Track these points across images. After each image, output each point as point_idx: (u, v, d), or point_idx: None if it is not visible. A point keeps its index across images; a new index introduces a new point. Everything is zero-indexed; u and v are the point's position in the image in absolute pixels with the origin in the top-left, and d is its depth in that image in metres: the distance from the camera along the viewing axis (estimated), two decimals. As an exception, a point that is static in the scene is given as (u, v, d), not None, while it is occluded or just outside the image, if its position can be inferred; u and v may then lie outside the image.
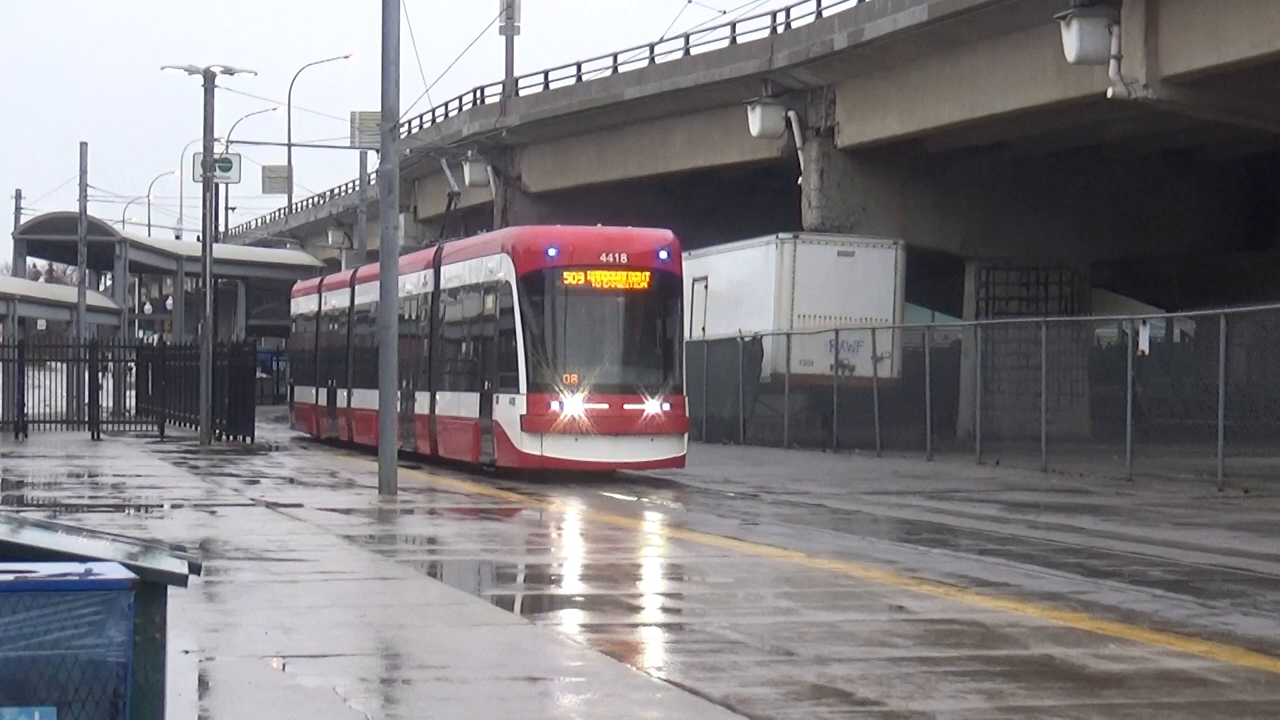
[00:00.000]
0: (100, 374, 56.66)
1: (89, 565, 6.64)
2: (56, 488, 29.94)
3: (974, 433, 39.17)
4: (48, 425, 53.36)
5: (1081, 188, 47.06)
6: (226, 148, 59.24)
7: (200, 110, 49.64)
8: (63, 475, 33.15)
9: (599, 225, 33.14)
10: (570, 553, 21.90)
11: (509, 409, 30.57)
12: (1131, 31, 34.75)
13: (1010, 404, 40.76)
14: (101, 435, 50.17)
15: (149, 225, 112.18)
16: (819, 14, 45.64)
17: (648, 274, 31.32)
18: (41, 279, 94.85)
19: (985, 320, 45.03)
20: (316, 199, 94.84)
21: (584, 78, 57.36)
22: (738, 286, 45.47)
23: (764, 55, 47.23)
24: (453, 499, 28.56)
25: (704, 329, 46.21)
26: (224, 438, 46.79)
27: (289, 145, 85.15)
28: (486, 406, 31.82)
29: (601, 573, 19.82)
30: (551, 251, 30.97)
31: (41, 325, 78.88)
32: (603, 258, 31.05)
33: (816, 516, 25.53)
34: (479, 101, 64.00)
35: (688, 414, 31.77)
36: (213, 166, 51.42)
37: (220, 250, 61.43)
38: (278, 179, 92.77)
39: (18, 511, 23.39)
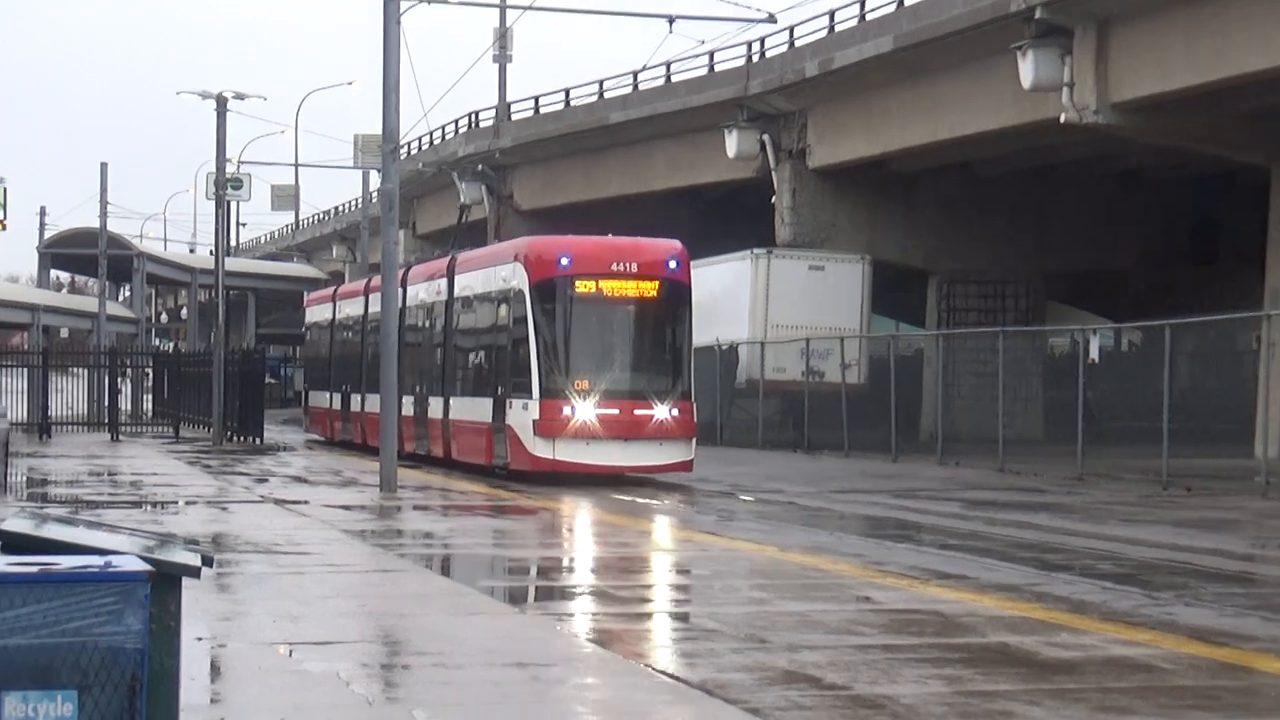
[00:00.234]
0: (119, 379, 56.62)
1: (108, 558, 6.66)
2: (78, 485, 29.90)
3: (935, 435, 39.17)
4: (70, 427, 53.34)
5: (1037, 206, 47.15)
6: (238, 168, 59.24)
7: (213, 133, 49.58)
8: (84, 474, 33.10)
9: (609, 235, 32.53)
10: (557, 547, 21.89)
11: (522, 413, 29.96)
12: (1082, 61, 34.83)
13: (969, 408, 40.83)
14: (120, 436, 50.10)
15: (165, 240, 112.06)
16: (791, 44, 45.70)
17: (657, 283, 30.50)
18: (64, 290, 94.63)
19: (946, 330, 45.06)
20: (322, 215, 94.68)
21: (572, 103, 57.41)
22: (716, 298, 45.40)
23: (740, 82, 47.28)
24: (449, 497, 28.54)
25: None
26: (235, 439, 46.72)
27: (296, 165, 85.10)
28: (500, 411, 31.16)
29: (587, 565, 19.83)
30: (564, 261, 30.28)
31: (64, 333, 78.92)
32: (613, 267, 30.33)
33: (788, 513, 25.52)
34: (474, 125, 63.99)
35: (696, 419, 31.14)
36: (225, 185, 51.42)
37: (231, 264, 61.36)
38: (286, 197, 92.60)
39: (42, 508, 23.37)
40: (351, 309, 45.51)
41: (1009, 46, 35.39)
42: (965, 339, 43.20)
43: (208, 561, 8.39)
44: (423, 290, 37.25)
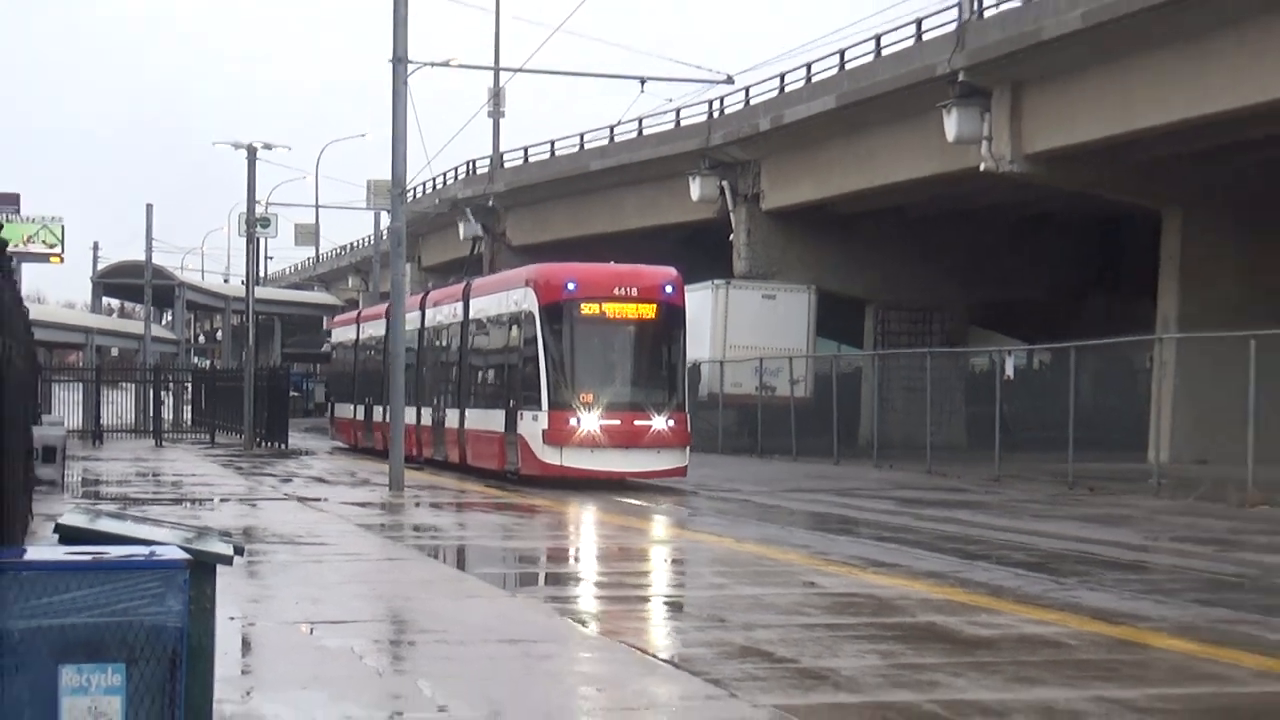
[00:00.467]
0: (162, 392, 56.43)
1: (152, 548, 6.65)
2: (126, 485, 29.80)
3: (872, 442, 39.20)
4: (119, 434, 53.15)
5: (961, 243, 47.19)
6: (266, 209, 59.30)
7: (244, 178, 49.69)
8: (131, 475, 33.00)
9: (611, 263, 31.88)
10: (546, 539, 21.85)
11: (532, 424, 29.34)
12: (999, 118, 34.95)
13: (901, 419, 40.85)
14: (163, 442, 49.93)
15: (202, 271, 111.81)
16: (747, 102, 45.78)
17: (655, 305, 29.69)
18: (114, 315, 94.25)
19: (881, 351, 45.11)
20: (339, 250, 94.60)
21: (557, 153, 57.44)
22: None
23: (702, 135, 47.34)
24: (450, 495, 28.45)
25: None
26: (263, 445, 46.60)
27: (316, 207, 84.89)
28: (511, 421, 30.49)
29: (568, 554, 19.83)
30: (570, 285, 29.58)
31: (114, 352, 78.68)
32: (615, 291, 29.61)
33: (744, 510, 25.54)
34: (471, 172, 63.98)
35: (689, 429, 30.34)
36: (255, 224, 51.51)
37: (260, 292, 61.17)
38: (307, 234, 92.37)
39: (94, 504, 23.32)
40: (373, 330, 44.90)
41: (935, 105, 35.52)
42: (897, 359, 43.25)
43: (239, 551, 8.38)
44: (440, 312, 36.76)
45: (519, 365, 30.40)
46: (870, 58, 39.77)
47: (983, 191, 40.86)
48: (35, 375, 28.72)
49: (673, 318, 29.89)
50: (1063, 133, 33.93)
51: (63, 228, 65.60)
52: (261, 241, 67.06)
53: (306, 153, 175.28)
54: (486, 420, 32.32)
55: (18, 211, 61.62)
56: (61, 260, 67.51)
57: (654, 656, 11.08)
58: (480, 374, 33.97)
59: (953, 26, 36.36)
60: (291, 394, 59.52)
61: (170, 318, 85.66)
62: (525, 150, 59.69)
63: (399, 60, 29.54)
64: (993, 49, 34.19)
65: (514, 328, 31.00)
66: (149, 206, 65.39)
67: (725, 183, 46.70)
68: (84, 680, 6.04)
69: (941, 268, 47.28)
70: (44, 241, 65.19)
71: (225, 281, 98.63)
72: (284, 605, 13.25)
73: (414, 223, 53.53)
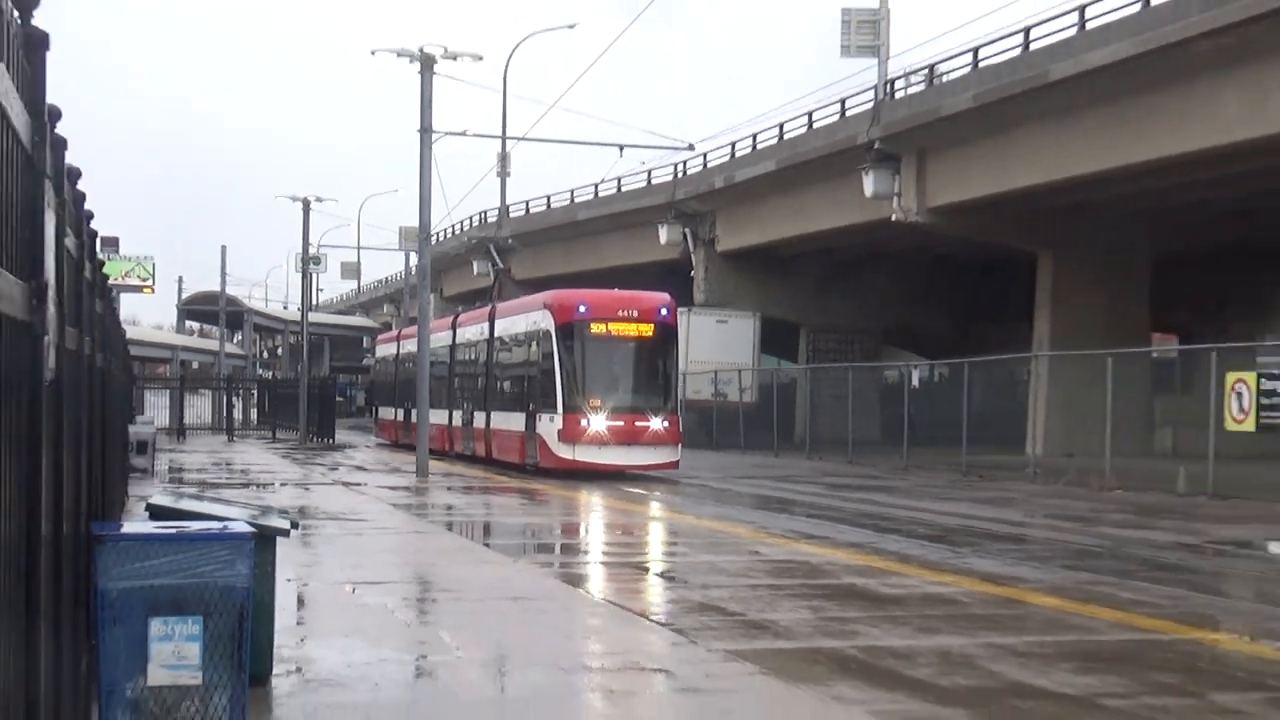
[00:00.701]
0: (233, 397, 56.33)
1: (225, 523, 6.65)
2: (203, 472, 29.70)
3: (805, 438, 39.23)
4: (198, 431, 52.98)
5: (877, 279, 47.23)
6: (317, 249, 59.15)
7: (300, 224, 49.65)
8: (207, 464, 32.88)
9: (615, 289, 31.25)
10: (541, 516, 21.82)
11: (549, 424, 28.69)
12: (907, 178, 35.07)
13: (828, 419, 40.77)
14: (233, 438, 49.77)
15: (266, 300, 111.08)
16: (705, 165, 45.83)
17: (653, 325, 28.95)
18: (195, 335, 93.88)
19: (812, 365, 45.12)
20: (376, 283, 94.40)
21: (552, 205, 57.43)
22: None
23: (669, 192, 47.35)
24: (464, 480, 28.36)
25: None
26: (314, 440, 46.47)
27: (358, 248, 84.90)
28: (531, 422, 29.81)
29: (561, 528, 19.81)
30: (582, 308, 28.87)
31: (195, 365, 78.34)
32: (619, 313, 28.93)
33: (702, 492, 25.52)
34: (483, 220, 63.86)
35: (681, 430, 29.68)
36: (308, 262, 51.57)
37: (312, 317, 61.06)
38: (350, 270, 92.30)
39: (178, 487, 23.21)
40: (410, 346, 43.86)
41: (856, 168, 35.63)
42: (826, 371, 43.24)
43: (294, 525, 8.38)
44: (469, 331, 36.09)
45: (537, 375, 29.78)
46: (804, 129, 39.87)
47: (894, 237, 40.94)
48: (131, 384, 28.63)
49: (667, 335, 29.35)
50: (957, 190, 34.05)
51: (153, 264, 65.34)
52: (314, 276, 67.04)
53: (350, 204, 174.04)
54: (509, 421, 31.64)
55: (117, 251, 61.37)
56: (152, 291, 67.23)
57: (629, 611, 11.07)
58: (503, 382, 33.25)
59: (870, 105, 36.51)
60: (337, 399, 59.40)
61: (240, 337, 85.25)
62: (527, 203, 59.74)
63: (425, 130, 29.58)
64: (902, 123, 34.30)
65: (533, 343, 30.37)
66: (223, 248, 65.67)
67: (687, 230, 46.71)
68: (169, 630, 6.03)
69: (861, 298, 47.38)
70: (138, 275, 64.97)
71: (284, 308, 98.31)
72: (330, 569, 13.21)
73: (437, 261, 53.43)
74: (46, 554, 4.00)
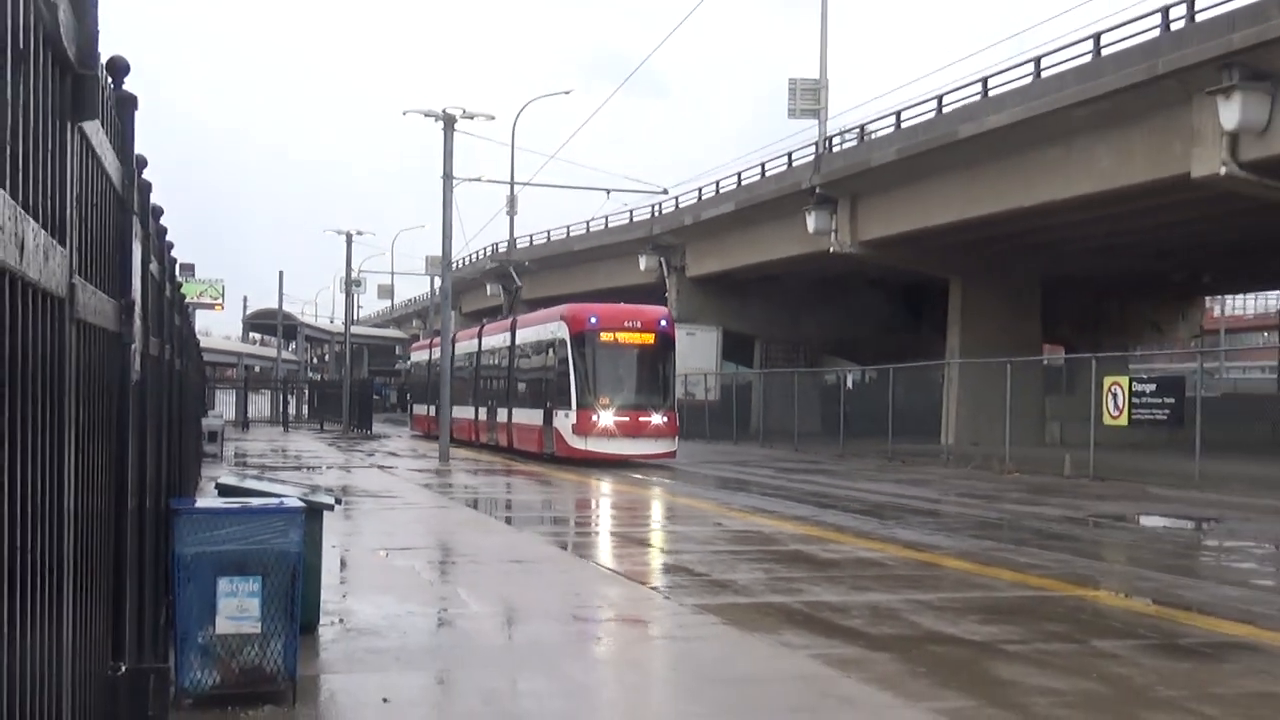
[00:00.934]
0: (288, 396, 56.10)
1: (280, 499, 6.62)
2: (263, 457, 29.56)
3: (759, 430, 39.29)
4: (259, 423, 52.72)
5: (819, 299, 47.16)
6: (358, 274, 59.00)
7: (344, 252, 49.63)
8: (267, 450, 32.74)
9: (621, 304, 30.61)
10: (544, 494, 21.79)
11: (564, 419, 28.15)
12: (843, 216, 35.10)
13: (778, 414, 40.84)
14: (288, 429, 49.59)
15: (315, 315, 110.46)
16: (677, 205, 45.77)
17: (654, 334, 28.23)
18: (257, 344, 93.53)
19: (765, 370, 45.20)
20: (406, 302, 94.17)
21: (551, 237, 57.41)
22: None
23: (648, 227, 47.30)
24: (481, 464, 28.25)
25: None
26: (355, 431, 46.29)
27: (392, 273, 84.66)
28: (548, 417, 29.14)
29: (558, 503, 19.78)
30: (593, 320, 28.17)
31: (257, 369, 78.11)
32: (625, 324, 28.21)
33: (674, 475, 25.52)
34: (496, 250, 63.78)
35: (678, 424, 28.86)
36: (351, 285, 51.42)
37: (354, 330, 60.90)
38: (385, 291, 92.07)
39: (242, 469, 23.11)
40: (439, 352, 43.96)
41: (801, 208, 35.64)
42: (776, 376, 43.32)
43: (338, 501, 8.34)
44: (493, 339, 35.43)
45: (553, 377, 29.23)
46: (758, 177, 39.85)
47: (833, 265, 40.95)
48: (204, 384, 28.48)
49: (666, 343, 28.71)
50: (884, 227, 34.11)
51: (223, 286, 65.31)
52: (355, 296, 66.76)
53: (385, 235, 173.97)
54: (528, 416, 30.99)
55: (193, 275, 61.29)
56: (222, 308, 67.25)
57: (613, 571, 11.05)
58: (523, 382, 32.61)
59: (812, 157, 36.54)
60: (374, 397, 59.24)
61: (294, 346, 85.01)
62: (531, 237, 59.69)
63: (447, 176, 29.48)
64: (838, 172, 34.34)
65: (550, 350, 29.83)
66: (280, 273, 65.74)
67: (662, 259, 46.65)
68: (234, 587, 6.01)
69: (805, 316, 47.34)
70: (210, 295, 64.91)
71: (330, 322, 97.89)
72: (367, 537, 13.15)
73: (457, 284, 53.19)
74: (132, 524, 3.99)
